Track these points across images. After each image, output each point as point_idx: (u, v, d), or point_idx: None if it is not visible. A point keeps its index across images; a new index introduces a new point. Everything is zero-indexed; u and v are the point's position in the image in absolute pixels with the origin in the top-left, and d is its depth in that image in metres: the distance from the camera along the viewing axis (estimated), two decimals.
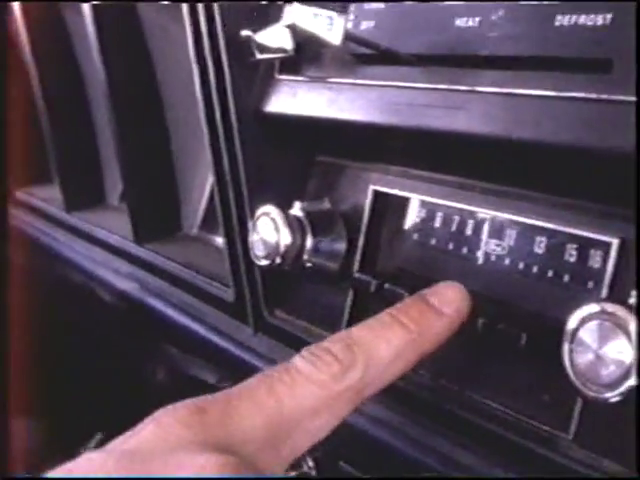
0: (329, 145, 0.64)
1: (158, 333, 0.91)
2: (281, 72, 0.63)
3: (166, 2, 0.80)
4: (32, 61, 1.07)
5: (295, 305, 0.68)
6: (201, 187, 0.91)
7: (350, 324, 0.62)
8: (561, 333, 0.42)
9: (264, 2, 0.63)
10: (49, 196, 1.16)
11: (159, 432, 0.38)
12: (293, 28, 0.51)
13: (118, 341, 0.99)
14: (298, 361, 0.43)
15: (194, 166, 0.92)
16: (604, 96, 0.41)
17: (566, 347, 0.40)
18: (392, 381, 0.46)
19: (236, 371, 0.77)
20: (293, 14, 0.50)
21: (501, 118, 0.46)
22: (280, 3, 0.61)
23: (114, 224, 1.00)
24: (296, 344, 0.67)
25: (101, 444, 1.09)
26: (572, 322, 0.41)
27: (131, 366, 0.99)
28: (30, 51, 1.07)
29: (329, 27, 0.50)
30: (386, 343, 0.45)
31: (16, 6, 1.07)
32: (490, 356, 0.52)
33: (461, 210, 0.55)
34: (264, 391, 0.41)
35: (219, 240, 0.83)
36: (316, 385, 0.42)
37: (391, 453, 0.58)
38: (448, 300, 0.48)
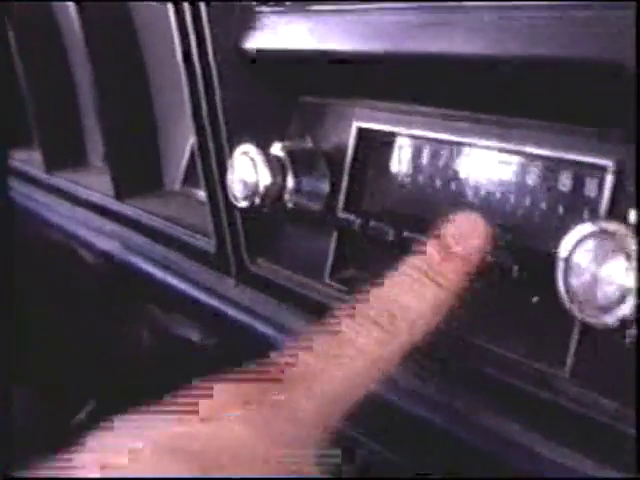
0: (312, 83, 0.61)
1: (141, 292, 0.88)
2: (259, 2, 0.59)
3: None
4: (10, 24, 1.03)
5: (278, 252, 0.65)
6: (183, 141, 0.88)
7: (334, 269, 0.59)
8: (554, 264, 0.39)
9: None
10: (28, 158, 1.12)
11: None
12: None
13: (101, 301, 0.96)
14: (344, 329, 0.42)
15: (176, 120, 0.89)
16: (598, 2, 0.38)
17: (560, 268, 0.37)
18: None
19: (220, 326, 0.74)
20: None
21: (491, 35, 0.43)
22: None
23: (95, 183, 0.96)
24: (279, 294, 0.64)
25: (91, 415, 1.06)
26: (567, 243, 0.38)
27: (115, 327, 0.96)
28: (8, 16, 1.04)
29: None
30: (424, 303, 0.43)
31: None
32: (482, 293, 0.49)
33: (449, 142, 0.52)
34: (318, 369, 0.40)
35: (201, 194, 0.80)
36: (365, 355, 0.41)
37: (389, 408, 0.56)
38: (471, 241, 0.45)
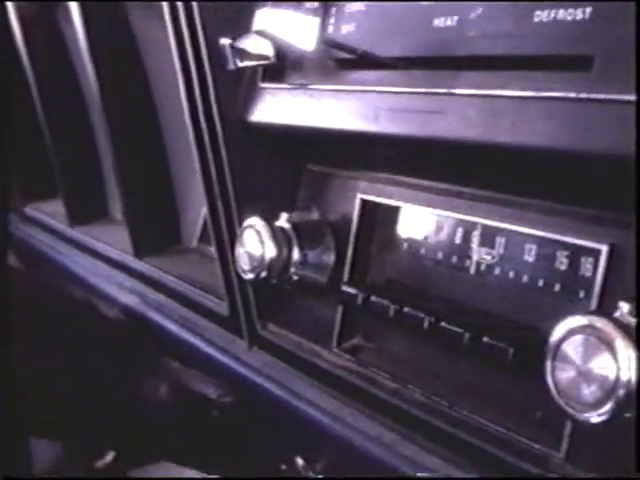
0: (316, 153, 0.62)
1: (158, 347, 0.89)
2: (264, 80, 0.61)
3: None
4: (31, 75, 1.06)
5: (288, 318, 0.66)
6: (199, 199, 0.90)
7: (341, 337, 0.60)
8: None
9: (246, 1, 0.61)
10: (55, 210, 1.15)
11: None
12: (263, 34, 0.49)
13: (119, 354, 0.98)
14: None
15: (192, 178, 0.90)
16: (583, 95, 0.39)
17: (549, 364, 0.38)
18: None
19: (234, 385, 0.75)
20: (263, 19, 0.48)
21: (480, 122, 0.44)
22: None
23: (116, 238, 0.98)
24: (289, 359, 0.65)
25: (113, 462, 1.07)
26: (556, 334, 0.38)
27: (133, 380, 0.97)
28: (28, 62, 1.06)
29: (302, 31, 0.48)
30: None
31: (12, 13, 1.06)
32: (479, 371, 0.49)
33: (450, 218, 0.53)
34: None
35: None
36: None
37: (386, 470, 0.56)
38: None
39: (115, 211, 1.10)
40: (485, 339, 0.46)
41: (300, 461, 0.70)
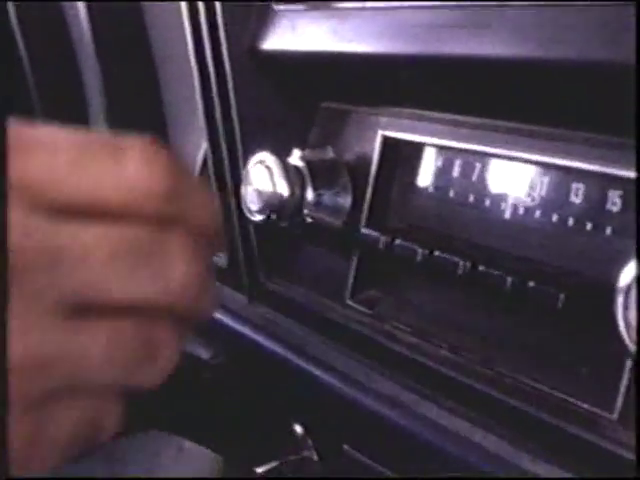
0: (333, 87, 0.57)
1: None
2: (278, 2, 0.55)
3: None
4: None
5: (294, 270, 0.60)
6: (194, 150, 0.84)
7: (355, 290, 0.55)
8: (605, 293, 0.35)
9: None
10: None
11: None
12: None
13: None
14: None
15: (185, 127, 0.84)
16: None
17: (620, 302, 0.33)
18: None
19: (230, 344, 0.70)
20: None
21: (535, 36, 0.38)
22: None
23: None
24: (296, 314, 0.60)
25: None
26: (627, 274, 0.33)
27: None
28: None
29: None
30: None
31: None
32: (521, 322, 0.44)
33: (483, 155, 0.48)
34: None
35: None
36: None
37: (404, 436, 0.51)
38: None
39: None
40: (531, 284, 0.41)
41: (299, 429, 0.64)
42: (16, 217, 0.27)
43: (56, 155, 0.29)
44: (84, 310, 0.28)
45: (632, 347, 0.34)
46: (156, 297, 0.30)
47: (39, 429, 0.29)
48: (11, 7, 0.97)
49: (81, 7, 0.82)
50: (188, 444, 0.91)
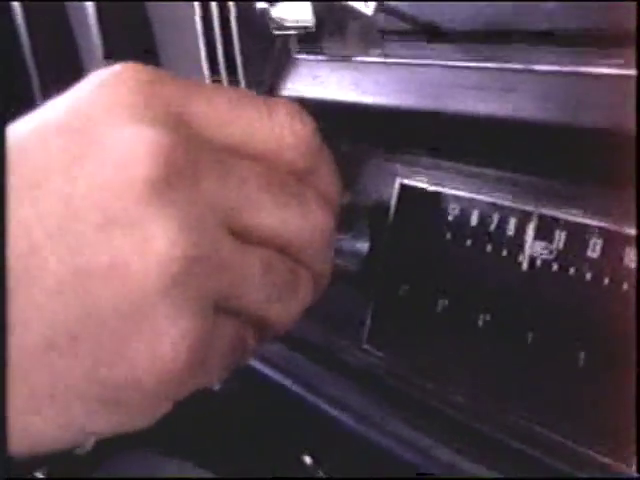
0: (352, 133, 0.58)
1: None
2: (299, 50, 0.56)
3: None
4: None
5: (310, 309, 0.61)
6: None
7: (372, 333, 0.56)
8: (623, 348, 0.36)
9: None
10: None
11: (103, 94, 0.32)
12: None
13: None
14: None
15: None
16: None
17: None
18: None
19: (241, 378, 0.71)
20: None
21: (562, 100, 0.39)
22: None
23: None
24: (311, 352, 0.61)
25: (95, 449, 1.01)
26: None
27: None
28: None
29: None
30: None
31: None
32: (534, 373, 0.45)
33: (502, 207, 0.49)
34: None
35: None
36: None
37: (411, 472, 0.52)
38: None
39: None
40: (550, 338, 0.42)
41: (308, 460, 0.65)
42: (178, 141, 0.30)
43: (215, 99, 0.33)
44: (242, 234, 0.33)
45: None
46: (299, 235, 0.35)
47: (211, 336, 0.33)
48: (17, 6, 0.97)
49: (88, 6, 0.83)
50: (190, 465, 0.91)
